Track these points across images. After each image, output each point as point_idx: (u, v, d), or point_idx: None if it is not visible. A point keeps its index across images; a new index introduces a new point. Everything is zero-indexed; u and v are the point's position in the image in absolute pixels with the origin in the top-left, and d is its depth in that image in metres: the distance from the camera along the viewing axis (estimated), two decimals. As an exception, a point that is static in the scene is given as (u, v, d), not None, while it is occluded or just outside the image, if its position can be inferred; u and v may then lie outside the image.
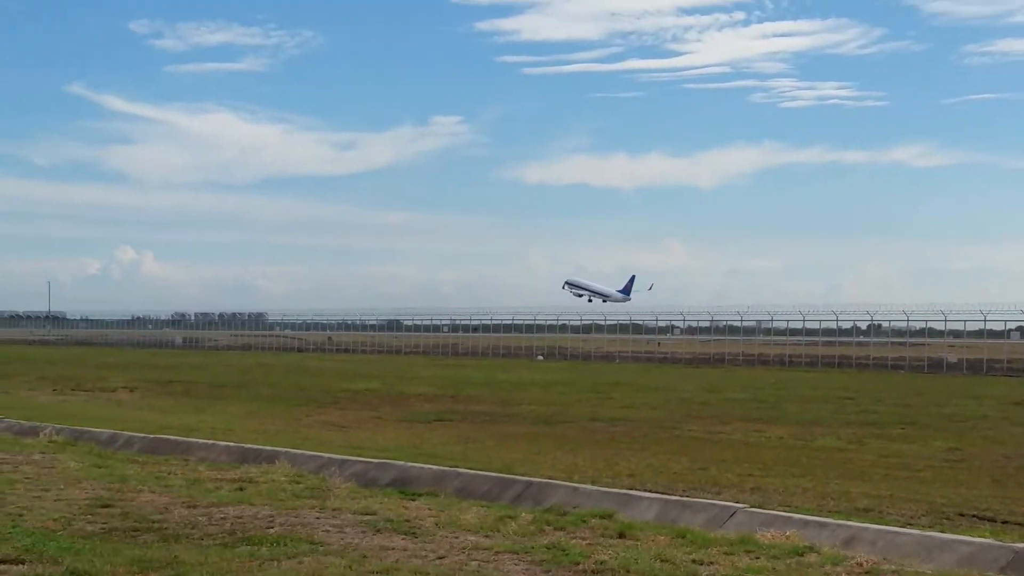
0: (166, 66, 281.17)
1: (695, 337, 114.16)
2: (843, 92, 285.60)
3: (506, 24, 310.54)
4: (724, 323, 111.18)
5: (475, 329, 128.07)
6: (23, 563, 12.58)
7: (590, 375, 69.79)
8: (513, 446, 27.62)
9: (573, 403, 43.56)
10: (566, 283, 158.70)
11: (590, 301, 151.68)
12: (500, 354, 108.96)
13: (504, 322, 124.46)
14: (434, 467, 20.31)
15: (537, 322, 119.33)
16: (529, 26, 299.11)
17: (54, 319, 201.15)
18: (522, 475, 19.65)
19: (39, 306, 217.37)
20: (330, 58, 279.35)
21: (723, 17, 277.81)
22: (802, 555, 13.36)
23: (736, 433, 32.22)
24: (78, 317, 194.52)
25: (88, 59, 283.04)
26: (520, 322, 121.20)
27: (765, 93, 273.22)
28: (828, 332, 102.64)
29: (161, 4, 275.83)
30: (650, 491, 18.38)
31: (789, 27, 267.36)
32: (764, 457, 25.78)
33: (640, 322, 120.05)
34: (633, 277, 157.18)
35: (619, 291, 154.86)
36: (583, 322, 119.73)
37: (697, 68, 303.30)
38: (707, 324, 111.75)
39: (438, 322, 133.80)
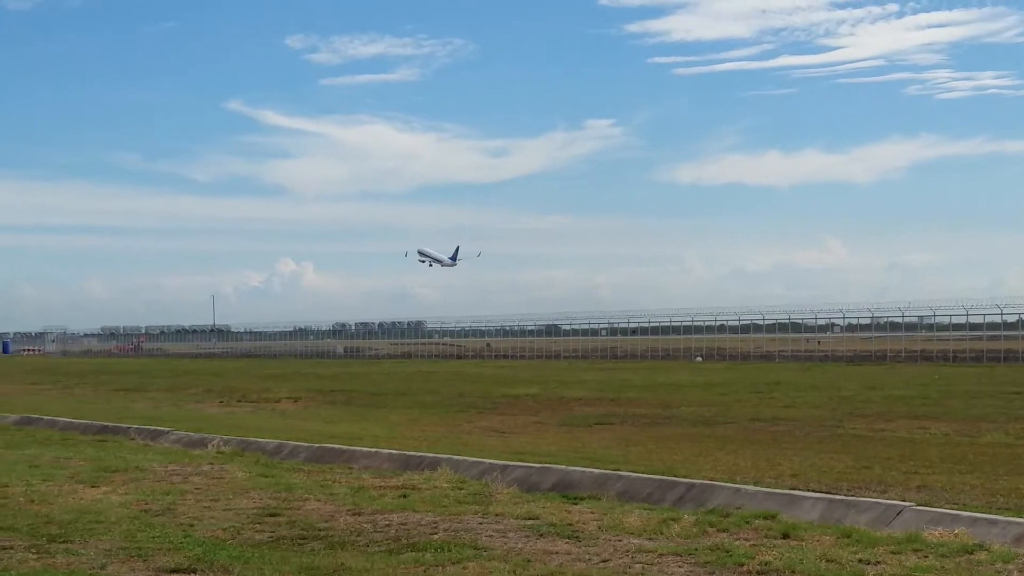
0: (321, 79, 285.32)
1: (855, 335, 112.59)
2: (1002, 81, 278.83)
3: (656, 25, 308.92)
4: (885, 319, 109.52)
5: (633, 332, 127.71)
6: (195, 572, 12.89)
7: (749, 375, 69.22)
8: (674, 448, 27.51)
9: (733, 404, 43.23)
10: (418, 251, 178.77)
11: (430, 266, 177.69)
12: (658, 356, 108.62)
13: (662, 324, 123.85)
14: (595, 471, 20.30)
15: (695, 323, 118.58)
16: (680, 26, 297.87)
17: (219, 332, 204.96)
18: (684, 477, 19.58)
19: (204, 319, 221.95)
20: (481, 66, 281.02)
21: (876, 10, 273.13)
22: (971, 553, 13.13)
23: (900, 431, 31.69)
24: (242, 330, 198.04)
25: (246, 76, 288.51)
26: (678, 323, 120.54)
27: (920, 85, 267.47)
28: (992, 327, 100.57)
29: (316, 19, 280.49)
30: (814, 491, 18.19)
31: (944, 17, 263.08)
32: (929, 454, 25.32)
33: (799, 320, 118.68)
34: (458, 248, 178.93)
35: (449, 258, 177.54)
36: (741, 322, 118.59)
37: (850, 62, 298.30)
38: (867, 321, 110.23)
39: (595, 326, 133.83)
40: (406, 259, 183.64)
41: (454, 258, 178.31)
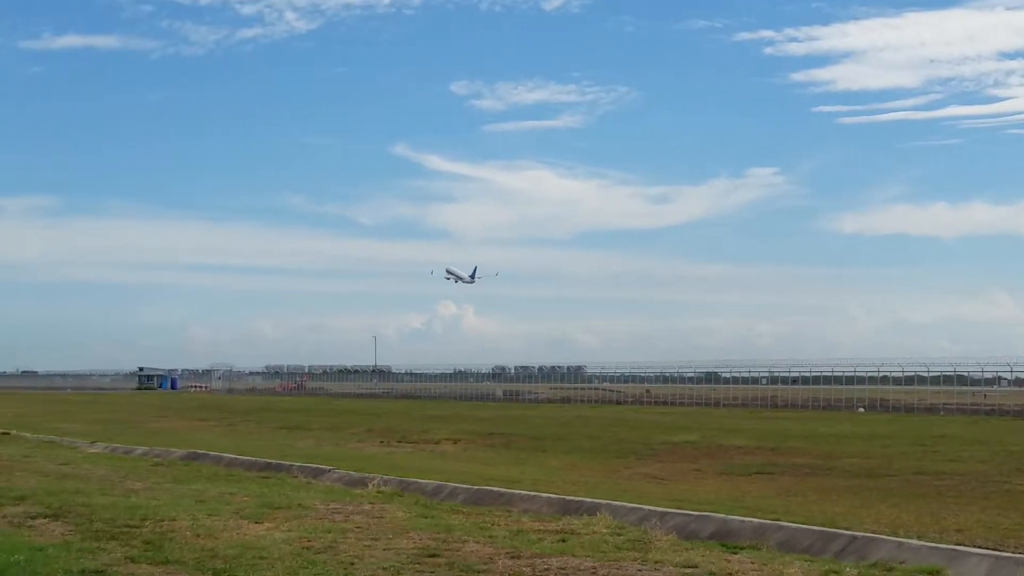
0: (485, 125, 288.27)
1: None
2: None
3: (822, 74, 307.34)
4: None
5: (794, 381, 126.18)
6: (356, 609, 13.03)
7: (913, 427, 67.89)
8: (835, 499, 27.17)
9: (896, 456, 42.49)
10: (446, 269, 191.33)
11: (455, 283, 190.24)
12: (819, 406, 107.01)
13: (823, 374, 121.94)
14: (755, 520, 20.14)
15: (857, 374, 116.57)
16: (845, 75, 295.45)
17: (380, 373, 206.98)
18: (845, 529, 19.33)
19: (366, 360, 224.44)
20: (644, 113, 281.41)
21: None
22: None
23: (1071, 488, 30.88)
24: (402, 371, 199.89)
25: (411, 121, 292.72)
26: (839, 373, 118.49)
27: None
28: None
29: (480, 65, 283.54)
30: (979, 547, 17.82)
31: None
32: (1102, 513, 24.64)
33: (965, 373, 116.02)
34: (476, 267, 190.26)
35: (469, 276, 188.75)
36: (905, 374, 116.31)
37: (1020, 113, 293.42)
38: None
39: (756, 374, 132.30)
40: (432, 276, 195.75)
41: (473, 276, 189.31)
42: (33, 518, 20.82)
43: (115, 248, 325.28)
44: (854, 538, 18.18)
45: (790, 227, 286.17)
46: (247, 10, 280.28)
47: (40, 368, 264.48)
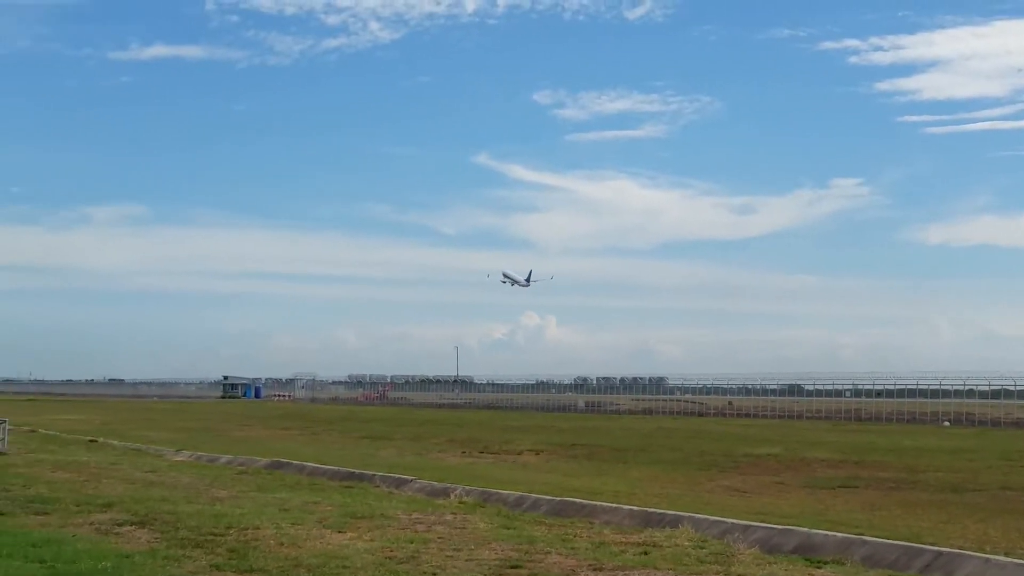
0: (567, 135, 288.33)
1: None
2: None
3: (907, 84, 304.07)
4: None
5: (878, 394, 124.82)
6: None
7: (1000, 442, 66.98)
8: (920, 514, 26.90)
9: (983, 471, 41.96)
10: (502, 272, 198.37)
11: (513, 285, 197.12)
12: (904, 419, 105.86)
13: (908, 387, 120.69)
14: (839, 535, 19.97)
15: (943, 387, 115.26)
16: (931, 85, 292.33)
17: (462, 383, 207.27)
18: (931, 544, 19.14)
19: (448, 370, 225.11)
20: (728, 123, 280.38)
21: None
22: None
23: None
24: (484, 381, 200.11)
25: (494, 130, 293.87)
26: (924, 387, 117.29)
27: None
28: None
29: (564, 75, 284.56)
30: (1069, 564, 17.57)
31: None
32: None
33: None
34: (531, 271, 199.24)
35: (524, 280, 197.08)
36: (991, 387, 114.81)
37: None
38: None
39: (839, 387, 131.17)
40: (488, 279, 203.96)
41: (528, 280, 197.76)
42: (120, 525, 21.08)
43: (200, 257, 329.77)
44: (939, 554, 17.99)
45: (874, 238, 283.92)
46: (331, 20, 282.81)
47: (126, 376, 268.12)
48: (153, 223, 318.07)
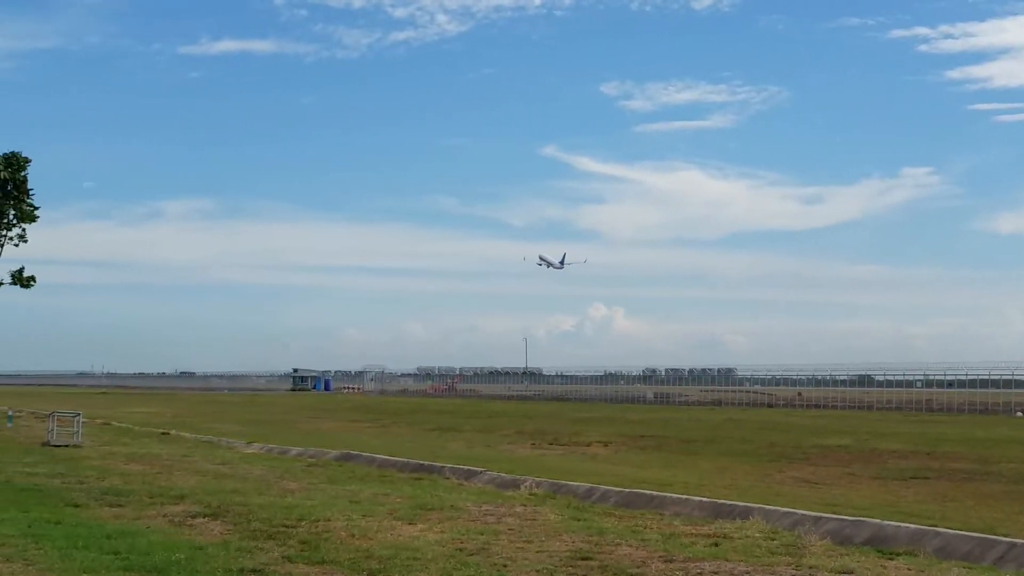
0: (635, 126, 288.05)
1: None
2: None
3: (978, 71, 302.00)
4: None
5: (949, 384, 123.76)
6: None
7: (1075, 432, 66.29)
8: (994, 505, 26.68)
9: (1058, 461, 41.53)
10: (539, 256, 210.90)
11: (548, 267, 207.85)
12: (976, 410, 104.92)
13: (980, 377, 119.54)
14: (911, 526, 19.83)
15: (1015, 377, 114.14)
16: (1002, 72, 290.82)
17: (531, 374, 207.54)
18: (1005, 536, 18.96)
19: (516, 362, 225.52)
20: (796, 112, 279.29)
21: None
22: None
23: None
24: (553, 373, 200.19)
25: (561, 122, 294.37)
26: (997, 377, 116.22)
27: None
28: None
29: (631, 66, 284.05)
30: None
31: None
32: None
33: None
34: (565, 254, 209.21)
35: (559, 262, 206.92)
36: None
37: None
38: None
39: (910, 377, 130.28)
40: (524, 262, 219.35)
41: (562, 263, 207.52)
42: (193, 517, 21.25)
43: (270, 250, 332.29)
44: (1013, 545, 17.83)
45: (945, 228, 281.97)
46: (399, 13, 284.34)
47: (197, 369, 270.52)
48: (223, 217, 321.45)
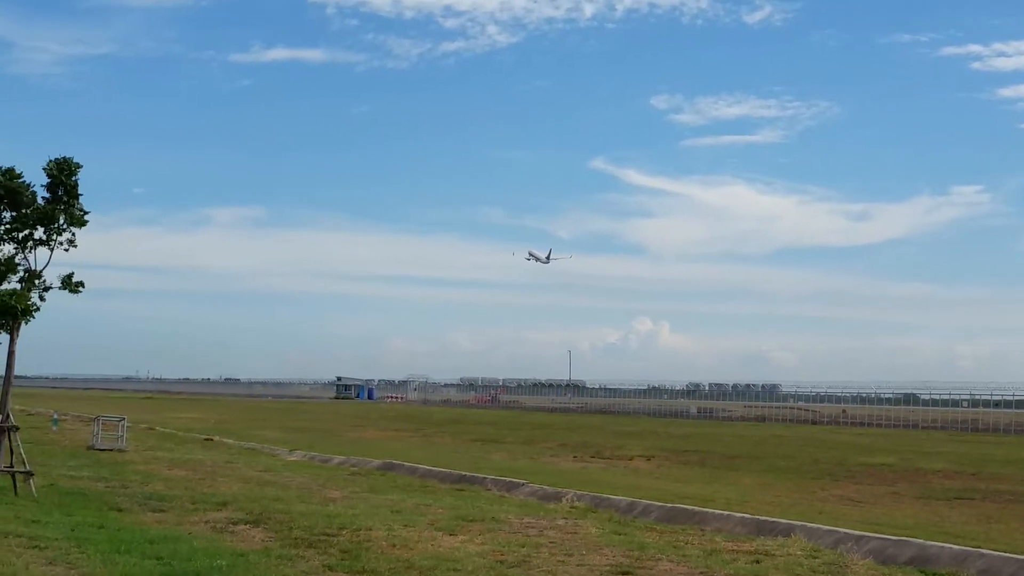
0: (684, 140, 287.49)
1: None
2: None
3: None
4: None
5: (996, 404, 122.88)
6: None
7: (1124, 455, 65.66)
8: (1040, 528, 26.45)
9: (1105, 484, 41.14)
10: (528, 251, 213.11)
11: (535, 263, 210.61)
12: (1023, 431, 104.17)
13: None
14: (955, 547, 19.68)
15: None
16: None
17: (574, 387, 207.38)
18: (1051, 559, 18.80)
19: (560, 374, 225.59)
20: (846, 128, 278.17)
21: None
22: None
23: None
24: (597, 386, 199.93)
25: (610, 135, 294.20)
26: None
27: None
28: None
29: (681, 80, 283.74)
30: None
31: None
32: None
33: None
34: (551, 250, 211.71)
35: (545, 257, 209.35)
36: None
37: None
38: None
39: (956, 396, 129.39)
40: (514, 257, 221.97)
41: (548, 258, 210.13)
42: (235, 523, 21.33)
43: (316, 259, 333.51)
44: (1059, 569, 17.67)
45: (995, 246, 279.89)
46: (450, 24, 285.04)
47: (242, 375, 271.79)
48: (271, 225, 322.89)
